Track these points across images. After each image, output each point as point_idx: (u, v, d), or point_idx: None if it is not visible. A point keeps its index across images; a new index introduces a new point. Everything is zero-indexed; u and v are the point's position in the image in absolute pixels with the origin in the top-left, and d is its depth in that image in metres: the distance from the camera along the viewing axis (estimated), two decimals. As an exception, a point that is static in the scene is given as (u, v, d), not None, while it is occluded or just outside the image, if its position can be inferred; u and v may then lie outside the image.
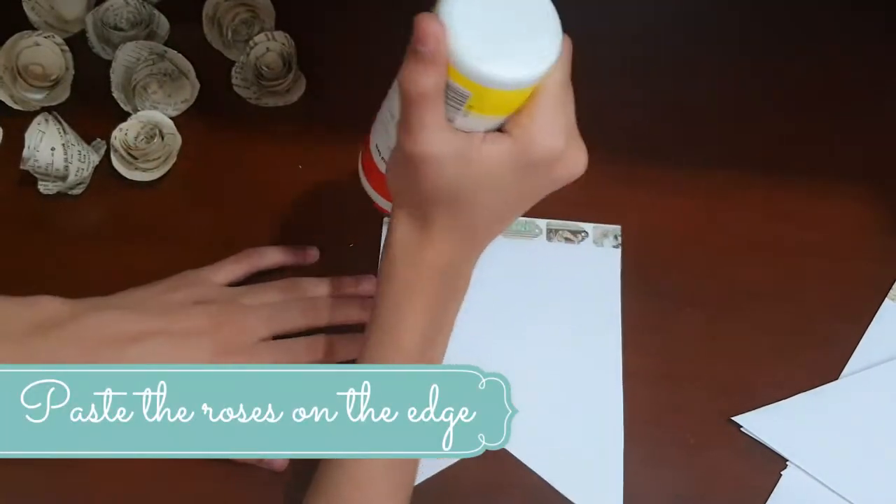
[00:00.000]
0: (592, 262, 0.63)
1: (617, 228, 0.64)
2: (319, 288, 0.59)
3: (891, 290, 0.63)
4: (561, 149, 0.44)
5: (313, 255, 0.61)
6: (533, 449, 0.56)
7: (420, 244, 0.47)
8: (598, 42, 0.73)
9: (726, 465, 0.56)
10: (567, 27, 0.42)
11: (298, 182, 0.65)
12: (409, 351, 0.48)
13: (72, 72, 0.66)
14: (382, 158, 0.51)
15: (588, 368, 0.59)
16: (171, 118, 0.64)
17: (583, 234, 0.63)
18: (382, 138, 0.50)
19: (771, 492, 0.56)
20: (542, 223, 0.64)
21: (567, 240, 0.63)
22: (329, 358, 0.56)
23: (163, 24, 0.69)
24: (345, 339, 0.57)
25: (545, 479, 0.56)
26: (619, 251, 0.63)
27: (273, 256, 0.60)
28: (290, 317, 0.56)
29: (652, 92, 0.71)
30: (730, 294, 0.62)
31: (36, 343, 0.51)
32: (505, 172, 0.44)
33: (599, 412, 0.58)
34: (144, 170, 0.63)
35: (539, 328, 0.60)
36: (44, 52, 0.65)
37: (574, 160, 0.45)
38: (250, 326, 0.55)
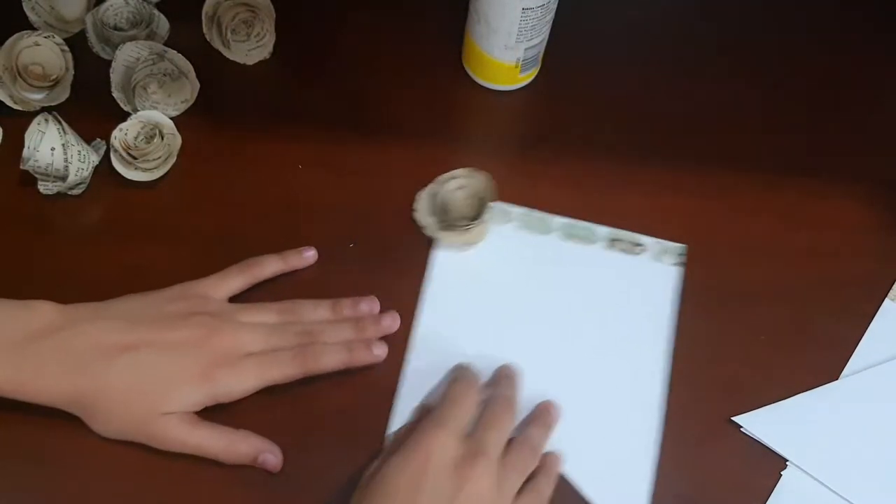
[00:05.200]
0: (648, 277, 0.62)
1: (682, 247, 0.63)
2: (317, 312, 0.58)
3: (891, 290, 0.63)
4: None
5: (311, 256, 0.61)
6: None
7: None
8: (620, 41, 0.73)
9: (726, 465, 0.56)
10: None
11: (298, 182, 0.65)
12: None
13: (72, 72, 0.66)
14: None
15: (628, 378, 0.59)
16: (171, 118, 0.64)
17: (641, 248, 0.63)
18: None
19: (771, 492, 0.56)
20: (604, 230, 0.63)
21: (624, 250, 0.63)
22: (315, 368, 0.56)
23: (163, 23, 0.69)
24: (332, 349, 0.56)
25: (573, 481, 0.55)
26: (677, 269, 0.62)
27: (273, 266, 0.60)
28: (284, 338, 0.56)
29: (646, 91, 0.71)
30: (730, 294, 0.62)
31: (27, 351, 0.51)
32: None
33: (634, 421, 0.57)
34: (144, 170, 0.63)
35: (583, 333, 0.60)
36: (43, 52, 0.65)
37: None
38: (241, 341, 0.54)
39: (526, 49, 0.66)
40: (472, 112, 0.70)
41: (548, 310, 0.61)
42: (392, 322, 0.59)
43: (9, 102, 0.65)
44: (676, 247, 0.63)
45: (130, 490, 0.54)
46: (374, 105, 0.69)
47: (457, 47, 0.71)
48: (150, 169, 0.63)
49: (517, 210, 0.64)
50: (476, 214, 0.62)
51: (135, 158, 0.62)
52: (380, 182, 0.65)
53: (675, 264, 0.62)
